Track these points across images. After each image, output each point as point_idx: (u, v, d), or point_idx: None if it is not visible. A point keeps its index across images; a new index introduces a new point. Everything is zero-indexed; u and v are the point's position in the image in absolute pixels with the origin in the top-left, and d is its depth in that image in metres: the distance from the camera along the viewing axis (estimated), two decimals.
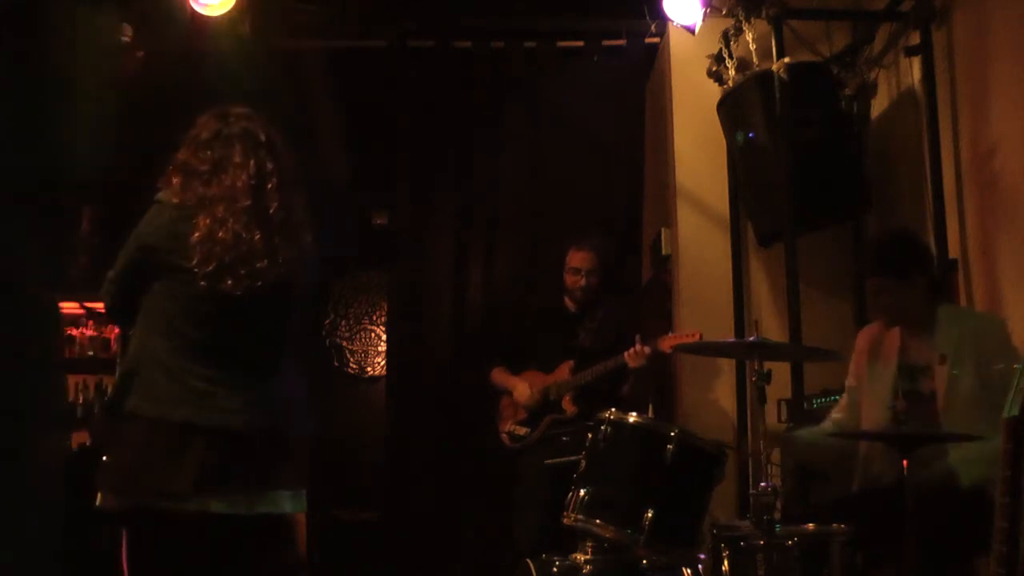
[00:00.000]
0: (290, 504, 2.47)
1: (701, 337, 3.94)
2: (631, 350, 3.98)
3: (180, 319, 2.41)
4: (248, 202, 2.44)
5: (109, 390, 2.45)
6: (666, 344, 4.00)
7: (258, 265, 2.40)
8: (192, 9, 4.17)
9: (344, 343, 7.01)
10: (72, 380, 5.49)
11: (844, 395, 3.33)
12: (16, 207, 0.83)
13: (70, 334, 5.59)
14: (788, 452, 3.47)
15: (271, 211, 2.46)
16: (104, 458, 2.40)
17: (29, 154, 0.83)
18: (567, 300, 4.34)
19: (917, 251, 3.17)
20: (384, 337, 6.56)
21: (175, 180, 2.49)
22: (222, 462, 2.34)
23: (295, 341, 2.62)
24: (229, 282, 2.37)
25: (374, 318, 7.02)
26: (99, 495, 2.38)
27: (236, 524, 2.37)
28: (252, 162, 2.48)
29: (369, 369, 6.98)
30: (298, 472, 2.50)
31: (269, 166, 2.50)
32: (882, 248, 3.23)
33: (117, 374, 2.48)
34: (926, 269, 3.12)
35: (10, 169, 0.82)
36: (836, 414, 3.34)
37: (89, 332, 5.70)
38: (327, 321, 6.85)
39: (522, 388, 4.22)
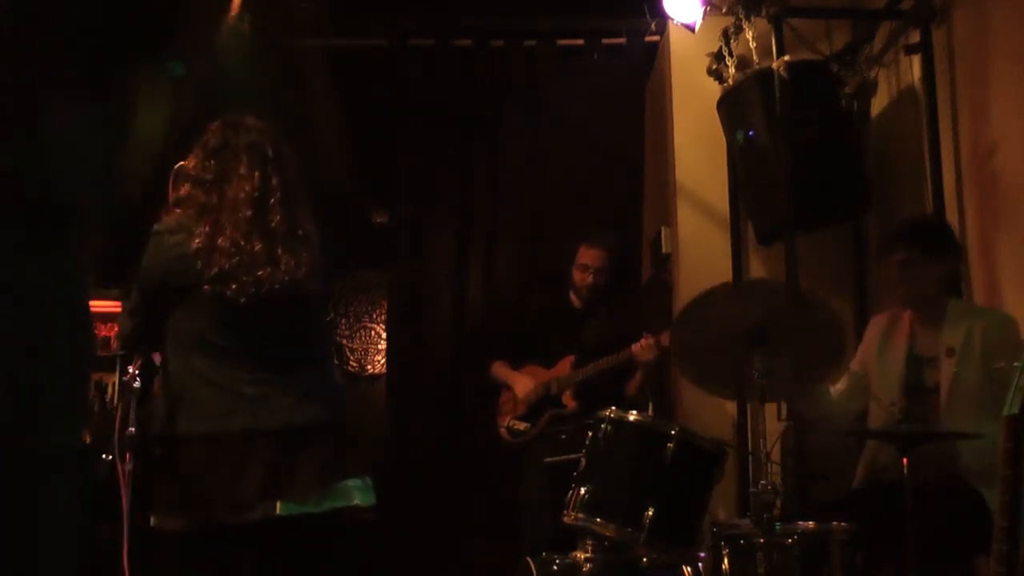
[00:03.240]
0: (360, 495, 2.47)
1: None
2: (639, 343, 3.97)
3: (209, 332, 2.42)
4: (249, 213, 2.45)
5: (139, 416, 2.44)
6: (667, 337, 4.00)
7: (259, 273, 2.41)
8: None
9: (344, 341, 7.01)
10: None
11: (845, 376, 3.35)
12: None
13: None
14: (804, 407, 3.45)
15: (273, 224, 2.48)
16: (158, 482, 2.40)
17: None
18: (572, 296, 4.33)
19: (949, 233, 3.25)
20: (384, 335, 6.57)
21: (180, 189, 2.51)
22: (288, 461, 2.35)
23: (322, 336, 2.64)
24: (233, 286, 2.39)
25: (374, 316, 7.03)
26: (154, 516, 2.38)
27: (306, 524, 2.37)
28: (257, 175, 2.50)
29: (369, 368, 6.99)
30: (361, 458, 2.52)
31: (274, 180, 2.52)
32: (916, 224, 3.29)
33: (158, 402, 2.47)
34: (955, 253, 3.18)
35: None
36: (838, 386, 3.36)
37: None
38: (327, 319, 6.85)
39: (523, 383, 4.21)
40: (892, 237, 3.20)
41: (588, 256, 4.24)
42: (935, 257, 3.08)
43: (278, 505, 2.33)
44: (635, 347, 3.98)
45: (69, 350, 0.85)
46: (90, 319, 0.93)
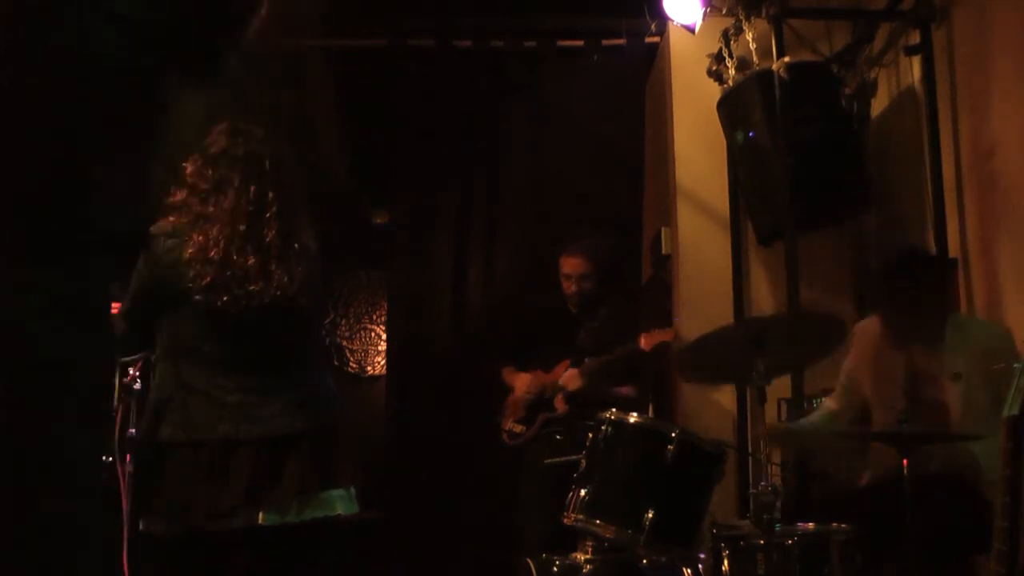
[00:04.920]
0: (342, 505, 2.47)
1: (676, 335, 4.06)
2: (568, 372, 4.04)
3: (198, 340, 2.42)
4: (243, 227, 2.45)
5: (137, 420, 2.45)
6: (646, 342, 4.00)
7: (251, 287, 2.41)
8: None
9: (344, 342, 7.01)
10: None
11: (840, 385, 3.34)
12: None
13: None
14: (785, 446, 3.47)
15: (267, 238, 2.47)
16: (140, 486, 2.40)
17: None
18: (568, 303, 4.33)
19: (927, 263, 3.22)
20: (384, 336, 6.57)
21: (177, 194, 2.51)
22: (269, 470, 2.35)
23: (316, 347, 2.64)
24: (225, 298, 2.38)
25: (374, 317, 7.03)
26: (142, 521, 2.38)
27: (287, 534, 2.36)
28: (253, 188, 2.49)
29: (369, 368, 6.98)
30: (347, 467, 2.51)
31: (270, 194, 2.51)
32: (894, 269, 3.21)
33: (148, 405, 2.47)
34: (938, 278, 3.17)
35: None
36: (829, 402, 3.36)
37: None
38: (327, 320, 6.85)
39: (521, 382, 4.23)
40: (889, 276, 3.17)
41: (568, 265, 4.23)
42: (934, 289, 3.08)
43: (260, 515, 2.33)
44: (563, 379, 4.06)
45: (92, 358, 0.87)
46: (111, 331, 0.94)
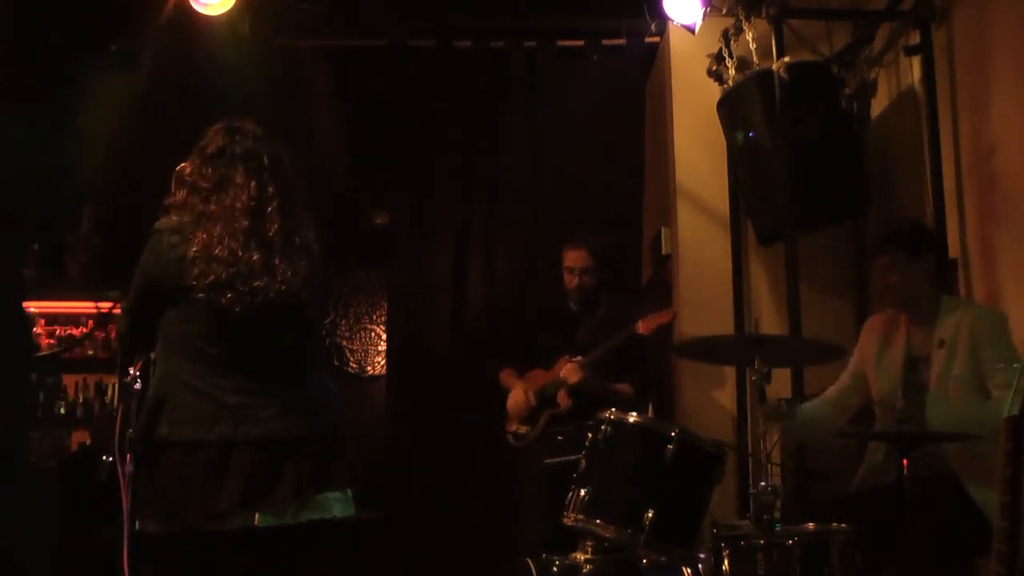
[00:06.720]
0: (339, 507, 2.47)
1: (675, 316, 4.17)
2: (567, 366, 4.04)
3: (200, 339, 2.42)
4: (246, 223, 2.45)
5: (137, 418, 2.44)
6: (644, 327, 4.01)
7: (256, 284, 2.41)
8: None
9: (344, 342, 7.01)
10: (72, 380, 5.49)
11: (841, 377, 3.37)
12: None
13: (70, 333, 5.59)
14: (785, 428, 3.48)
15: (270, 233, 2.48)
16: (127, 482, 2.39)
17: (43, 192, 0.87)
18: (569, 300, 4.33)
19: (927, 233, 3.32)
20: (384, 336, 6.57)
21: (178, 194, 2.52)
22: (267, 472, 2.35)
23: (316, 347, 2.64)
24: (229, 295, 2.38)
25: (374, 317, 7.03)
26: (139, 520, 2.38)
27: (284, 535, 2.36)
28: (253, 183, 2.50)
29: (369, 368, 6.99)
30: (345, 471, 2.51)
31: (270, 189, 2.52)
32: (893, 227, 3.34)
33: (146, 402, 2.46)
34: (935, 251, 3.21)
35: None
36: (831, 391, 3.39)
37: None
38: (327, 320, 6.85)
39: (514, 394, 4.21)
40: (874, 244, 3.28)
41: (571, 258, 4.23)
42: (916, 257, 3.11)
43: (256, 516, 2.33)
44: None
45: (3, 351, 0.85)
46: (27, 320, 0.93)
